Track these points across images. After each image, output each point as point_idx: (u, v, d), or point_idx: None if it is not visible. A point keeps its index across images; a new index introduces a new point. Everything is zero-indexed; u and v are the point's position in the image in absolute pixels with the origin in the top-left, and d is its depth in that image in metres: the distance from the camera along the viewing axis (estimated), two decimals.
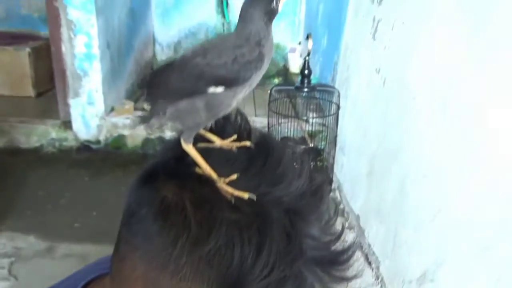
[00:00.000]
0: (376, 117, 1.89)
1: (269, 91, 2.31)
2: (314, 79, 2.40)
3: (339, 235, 0.44)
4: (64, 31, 2.65)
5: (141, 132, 2.90)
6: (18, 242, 2.01)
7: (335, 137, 2.35)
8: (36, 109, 3.18)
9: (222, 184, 0.41)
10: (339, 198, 2.35)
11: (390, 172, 1.70)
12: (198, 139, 0.46)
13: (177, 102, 0.46)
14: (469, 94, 1.21)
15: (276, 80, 3.85)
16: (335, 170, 2.43)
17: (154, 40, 3.87)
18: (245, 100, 0.51)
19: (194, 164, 0.44)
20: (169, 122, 0.47)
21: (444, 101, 1.33)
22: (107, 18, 2.78)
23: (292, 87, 2.32)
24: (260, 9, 0.46)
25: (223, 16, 3.81)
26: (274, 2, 0.46)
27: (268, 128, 2.49)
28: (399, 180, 1.62)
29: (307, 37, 2.26)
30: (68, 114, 2.86)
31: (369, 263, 1.86)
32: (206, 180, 0.42)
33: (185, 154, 0.45)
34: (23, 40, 3.42)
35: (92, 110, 2.83)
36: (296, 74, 3.53)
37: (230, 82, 0.45)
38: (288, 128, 2.55)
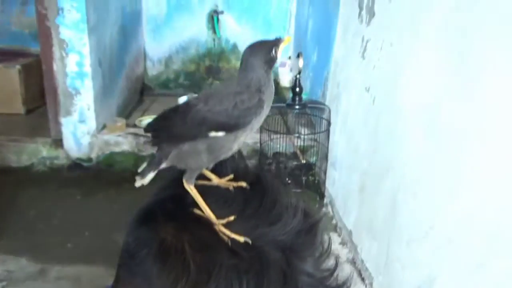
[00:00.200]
0: (367, 134, 1.92)
1: None
2: (304, 94, 2.44)
3: (333, 271, 0.45)
4: (56, 50, 2.65)
5: (133, 149, 2.89)
6: (10, 265, 1.98)
7: (327, 153, 2.38)
8: (26, 126, 3.16)
9: (220, 227, 0.42)
10: (331, 213, 2.36)
11: (381, 188, 1.73)
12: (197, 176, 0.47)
13: (181, 145, 0.48)
14: (457, 113, 1.24)
15: None
16: (327, 185, 2.45)
17: (145, 56, 3.90)
18: None
19: (192, 204, 0.45)
20: (173, 164, 0.49)
21: (432, 121, 1.36)
22: (99, 37, 2.79)
23: (284, 105, 2.35)
24: (260, 58, 0.48)
25: (214, 31, 3.85)
26: (273, 50, 0.49)
27: (260, 144, 2.51)
28: (390, 197, 1.64)
29: (298, 56, 2.29)
30: (59, 132, 2.84)
31: (363, 279, 1.87)
32: (204, 222, 0.43)
33: (182, 194, 0.46)
34: (13, 57, 3.41)
35: (83, 128, 2.83)
36: (286, 88, 3.56)
37: (230, 127, 0.47)
38: (280, 143, 2.58)
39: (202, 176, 0.49)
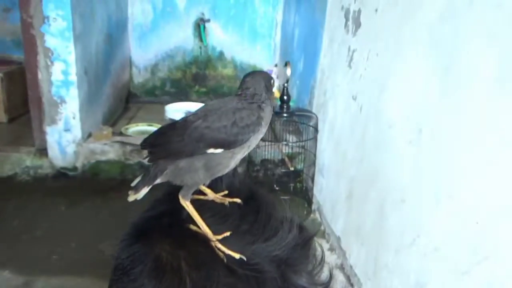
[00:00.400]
0: (354, 142, 1.94)
1: None
2: (291, 101, 2.45)
3: (327, 284, 0.46)
4: (41, 58, 2.62)
5: (120, 158, 2.87)
6: None
7: (314, 160, 2.39)
8: (9, 135, 3.11)
9: (217, 243, 0.42)
10: (319, 219, 2.38)
11: (369, 195, 1.74)
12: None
13: (177, 162, 0.48)
14: (442, 122, 1.27)
15: None
16: (314, 192, 2.46)
17: (131, 63, 3.87)
18: None
19: (187, 219, 0.45)
20: (169, 180, 0.49)
21: (419, 130, 1.39)
22: (85, 45, 2.77)
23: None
24: (261, 80, 0.50)
25: (200, 39, 3.85)
26: (272, 80, 0.50)
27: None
28: (378, 204, 1.66)
29: (286, 65, 2.31)
30: (43, 141, 2.80)
31: (351, 285, 1.88)
32: (200, 238, 0.43)
33: (177, 208, 0.46)
34: None
35: (69, 136, 2.79)
36: None
37: (229, 144, 0.48)
38: (267, 151, 2.59)
39: (197, 191, 0.49)
